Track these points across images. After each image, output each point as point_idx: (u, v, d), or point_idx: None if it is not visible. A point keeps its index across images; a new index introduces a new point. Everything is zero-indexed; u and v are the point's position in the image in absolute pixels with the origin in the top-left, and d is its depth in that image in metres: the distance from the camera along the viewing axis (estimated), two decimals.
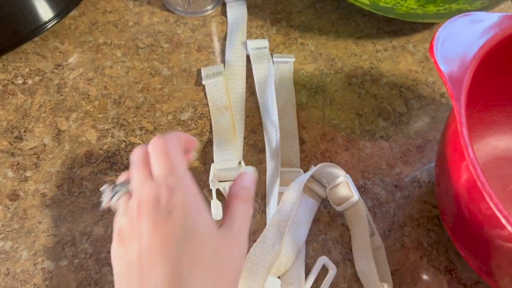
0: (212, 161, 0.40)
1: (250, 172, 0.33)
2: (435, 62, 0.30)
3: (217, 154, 0.41)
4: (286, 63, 0.45)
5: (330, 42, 0.49)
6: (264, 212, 0.38)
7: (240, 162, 0.40)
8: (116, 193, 0.29)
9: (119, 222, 0.27)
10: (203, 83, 0.44)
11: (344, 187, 0.37)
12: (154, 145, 0.28)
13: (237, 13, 0.50)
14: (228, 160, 0.40)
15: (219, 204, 0.38)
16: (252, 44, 0.45)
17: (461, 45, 0.31)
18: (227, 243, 0.27)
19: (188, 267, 0.24)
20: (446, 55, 0.30)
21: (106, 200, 0.29)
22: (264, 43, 0.45)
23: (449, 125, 0.32)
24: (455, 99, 0.28)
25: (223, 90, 0.44)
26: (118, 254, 0.27)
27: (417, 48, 0.48)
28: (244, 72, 0.46)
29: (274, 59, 0.44)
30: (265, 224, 0.38)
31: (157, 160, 0.28)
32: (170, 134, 0.29)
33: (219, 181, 0.39)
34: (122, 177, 0.30)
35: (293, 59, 0.45)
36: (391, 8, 0.42)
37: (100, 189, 0.30)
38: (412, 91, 0.45)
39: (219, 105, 0.43)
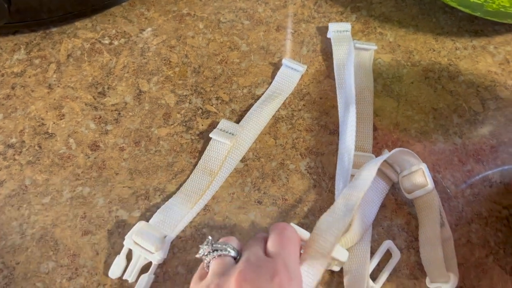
0: None
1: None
2: None
3: (159, 213, 0.37)
4: (367, 51, 0.45)
5: (409, 35, 0.48)
6: (331, 191, 0.39)
7: (165, 237, 0.36)
8: (215, 251, 0.30)
9: (210, 279, 0.28)
10: (210, 135, 0.40)
11: (419, 175, 0.37)
12: (276, 226, 0.30)
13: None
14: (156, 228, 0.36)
15: (123, 263, 0.35)
16: (334, 26, 0.46)
17: None
18: None
19: None
20: None
21: (202, 253, 0.30)
22: (346, 26, 0.46)
23: None
24: None
25: (222, 155, 0.39)
26: None
27: (498, 50, 0.47)
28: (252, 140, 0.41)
29: (356, 45, 0.44)
30: (331, 203, 0.39)
31: (274, 237, 0.29)
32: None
33: (135, 243, 0.35)
34: (228, 240, 0.31)
35: (375, 47, 0.45)
36: (481, 4, 0.42)
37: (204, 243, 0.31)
38: (490, 92, 0.45)
39: (205, 167, 0.39)
